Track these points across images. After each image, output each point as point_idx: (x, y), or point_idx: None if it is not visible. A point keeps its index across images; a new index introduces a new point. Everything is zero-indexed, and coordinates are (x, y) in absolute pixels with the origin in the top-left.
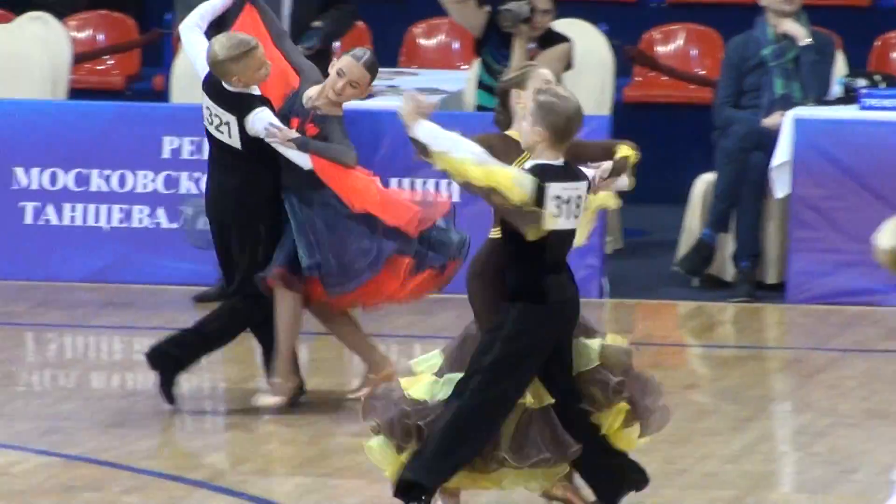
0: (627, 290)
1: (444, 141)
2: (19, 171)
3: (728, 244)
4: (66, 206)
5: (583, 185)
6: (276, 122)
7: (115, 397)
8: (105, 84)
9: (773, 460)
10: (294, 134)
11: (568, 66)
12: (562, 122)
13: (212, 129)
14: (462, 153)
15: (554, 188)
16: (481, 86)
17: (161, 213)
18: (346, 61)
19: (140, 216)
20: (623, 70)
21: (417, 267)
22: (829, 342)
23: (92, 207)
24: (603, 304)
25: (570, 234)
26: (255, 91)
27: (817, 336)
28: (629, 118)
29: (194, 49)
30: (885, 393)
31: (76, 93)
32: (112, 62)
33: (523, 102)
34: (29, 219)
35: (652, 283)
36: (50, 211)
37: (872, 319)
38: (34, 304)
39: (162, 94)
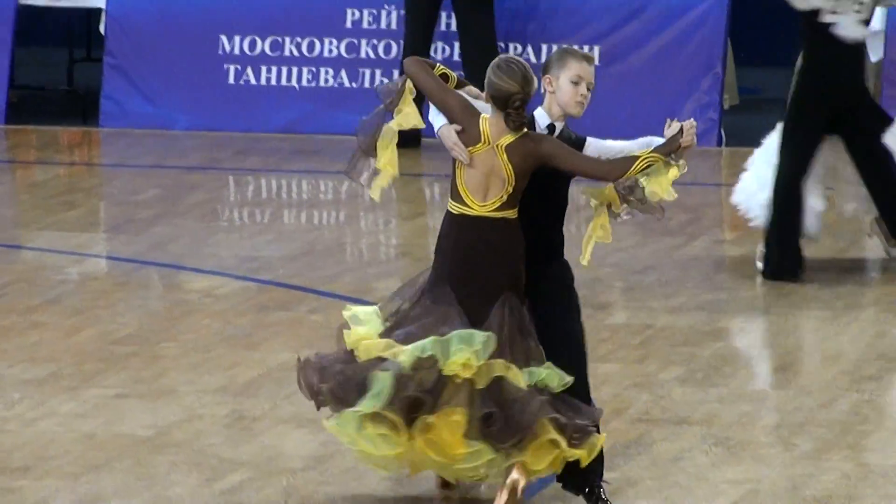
0: (742, 140)
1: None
2: (223, 39)
3: None
4: (263, 69)
5: None
6: None
7: (302, 231)
8: None
9: (864, 284)
10: None
11: None
12: None
13: None
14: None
15: None
16: None
17: (343, 74)
18: None
19: (326, 77)
20: None
21: None
22: None
23: (285, 69)
24: (720, 153)
25: None
26: None
27: None
28: None
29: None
30: None
31: None
32: None
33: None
34: (231, 79)
35: (764, 134)
36: (249, 72)
37: None
38: (235, 152)
39: None
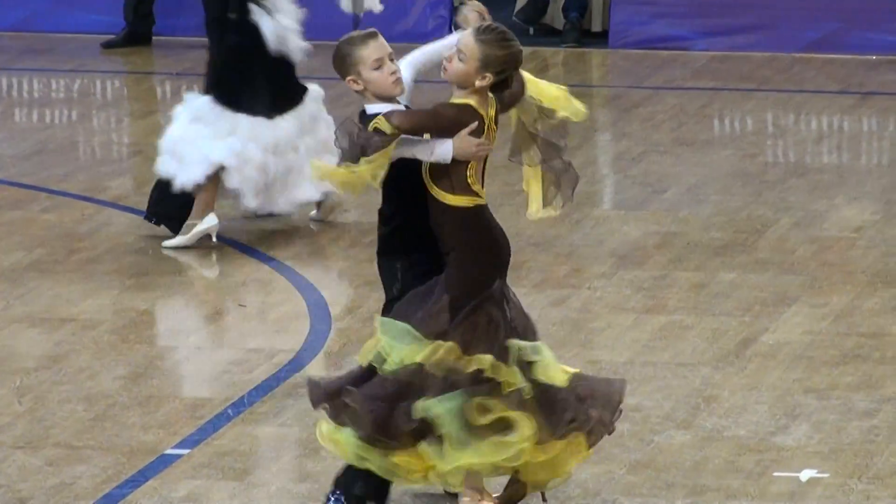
0: None
1: None
2: None
3: None
4: None
5: None
6: None
7: (34, 130)
8: None
9: (595, 182)
10: None
11: None
12: None
13: None
14: None
15: None
16: None
17: None
18: None
19: None
20: None
21: None
22: (644, 81)
23: None
24: None
25: None
26: None
27: (635, 76)
28: None
29: None
30: (690, 124)
31: None
32: None
33: None
34: None
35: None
36: None
37: (681, 62)
38: None
39: None
